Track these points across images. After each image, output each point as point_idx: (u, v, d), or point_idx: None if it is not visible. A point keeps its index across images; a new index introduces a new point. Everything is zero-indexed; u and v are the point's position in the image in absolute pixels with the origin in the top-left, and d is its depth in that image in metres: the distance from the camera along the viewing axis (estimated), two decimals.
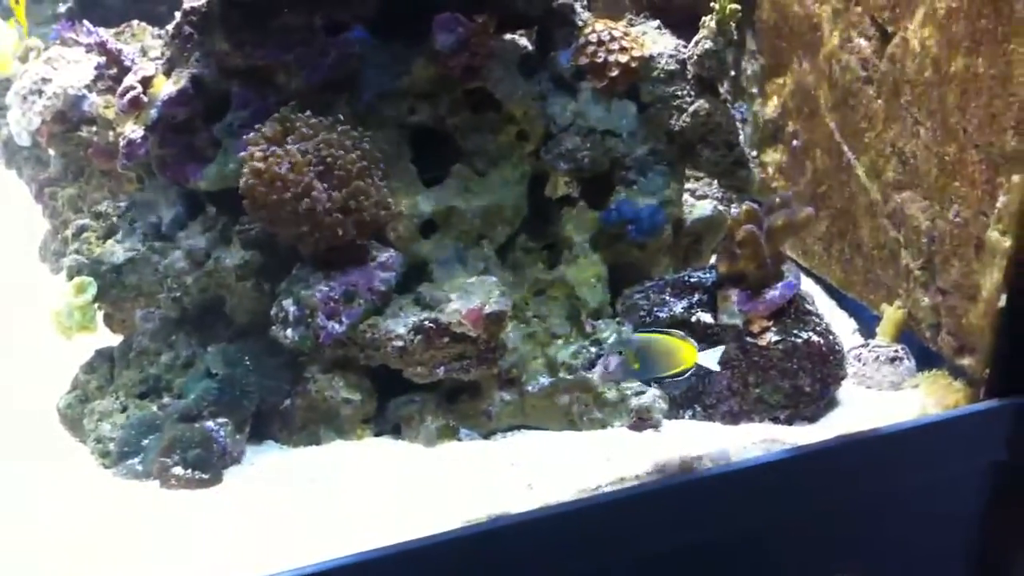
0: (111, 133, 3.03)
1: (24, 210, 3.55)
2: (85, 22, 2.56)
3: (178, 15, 2.39)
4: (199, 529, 1.94)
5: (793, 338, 2.31)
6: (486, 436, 2.32)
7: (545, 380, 2.33)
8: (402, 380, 2.28)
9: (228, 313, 2.38)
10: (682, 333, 1.96)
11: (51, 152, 3.33)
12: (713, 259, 2.64)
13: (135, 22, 3.20)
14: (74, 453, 2.31)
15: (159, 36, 3.02)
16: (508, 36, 2.51)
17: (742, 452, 2.09)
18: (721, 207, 2.75)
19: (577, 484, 1.98)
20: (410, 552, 1.71)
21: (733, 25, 2.46)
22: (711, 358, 1.95)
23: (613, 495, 1.93)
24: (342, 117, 2.27)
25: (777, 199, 2.38)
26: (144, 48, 3.00)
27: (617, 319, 2.43)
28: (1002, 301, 2.18)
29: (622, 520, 1.91)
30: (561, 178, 2.60)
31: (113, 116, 2.99)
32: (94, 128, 3.15)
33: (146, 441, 2.21)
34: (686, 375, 1.94)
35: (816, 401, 2.33)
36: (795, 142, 3.02)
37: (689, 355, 1.92)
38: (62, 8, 3.70)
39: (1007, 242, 2.15)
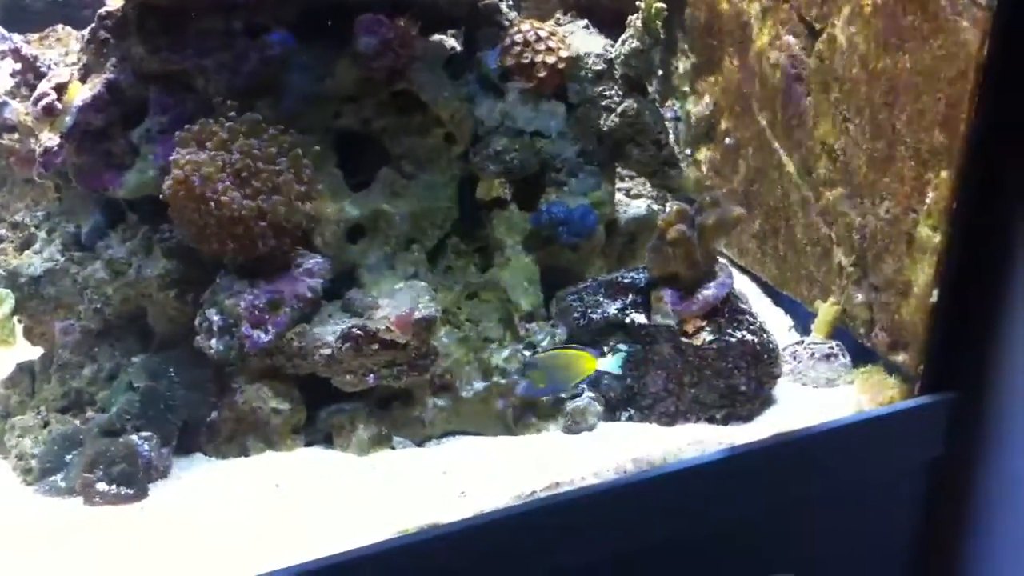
0: (33, 141, 2.96)
1: None
2: None
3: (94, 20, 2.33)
4: (125, 546, 1.89)
5: (727, 337, 2.31)
6: (420, 443, 2.30)
7: (479, 385, 2.31)
8: (333, 388, 2.24)
9: (151, 324, 2.32)
10: (580, 346, 2.22)
11: None
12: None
13: (59, 26, 3.12)
14: None
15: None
16: (434, 37, 2.47)
17: (678, 453, 2.07)
18: (656, 206, 2.75)
19: (511, 490, 1.96)
20: (338, 566, 1.68)
21: (659, 24, 2.45)
22: (612, 364, 2.18)
23: (547, 500, 1.91)
24: (264, 122, 2.22)
25: (707, 198, 2.37)
26: (68, 53, 2.94)
27: (551, 321, 2.41)
28: (934, 297, 2.18)
29: (556, 527, 1.89)
30: (496, 180, 2.57)
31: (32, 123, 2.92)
32: (16, 136, 3.07)
33: (69, 457, 2.17)
34: (584, 381, 2.24)
35: (752, 400, 2.33)
36: (728, 140, 3.02)
37: (589, 364, 2.15)
38: None
39: (937, 238, 2.16)
